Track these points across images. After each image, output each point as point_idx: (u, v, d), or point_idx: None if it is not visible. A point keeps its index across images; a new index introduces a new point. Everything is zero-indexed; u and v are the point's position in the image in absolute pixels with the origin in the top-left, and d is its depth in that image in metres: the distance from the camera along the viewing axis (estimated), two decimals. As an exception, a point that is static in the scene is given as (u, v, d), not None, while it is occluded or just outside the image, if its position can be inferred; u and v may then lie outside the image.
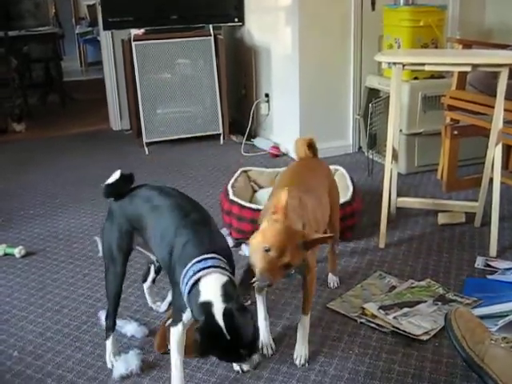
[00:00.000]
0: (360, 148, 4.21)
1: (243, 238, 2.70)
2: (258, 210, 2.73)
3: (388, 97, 3.36)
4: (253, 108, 4.60)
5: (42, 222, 3.18)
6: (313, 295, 1.98)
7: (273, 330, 2.08)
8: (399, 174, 3.58)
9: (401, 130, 3.56)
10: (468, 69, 2.57)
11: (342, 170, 3.18)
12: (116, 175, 1.89)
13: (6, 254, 2.78)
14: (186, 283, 1.55)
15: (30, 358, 1.99)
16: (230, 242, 2.72)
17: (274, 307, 2.23)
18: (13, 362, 1.97)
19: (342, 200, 2.78)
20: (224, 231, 2.76)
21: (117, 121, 5.18)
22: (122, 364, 1.89)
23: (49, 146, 4.80)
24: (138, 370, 1.89)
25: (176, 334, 1.69)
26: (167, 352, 1.90)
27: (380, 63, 3.79)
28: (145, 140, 4.44)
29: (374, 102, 3.62)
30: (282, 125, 4.35)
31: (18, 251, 2.77)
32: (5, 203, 3.51)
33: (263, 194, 3.06)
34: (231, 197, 2.85)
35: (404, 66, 2.64)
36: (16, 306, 2.33)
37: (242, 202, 2.80)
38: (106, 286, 1.94)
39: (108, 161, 4.27)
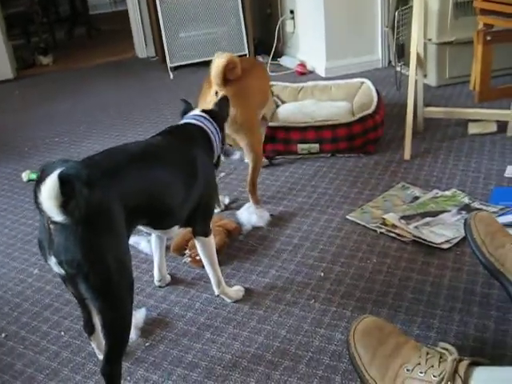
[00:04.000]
0: (390, 62, 4.04)
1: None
2: (289, 129, 2.67)
3: (416, 3, 3.19)
4: (278, 26, 4.44)
5: (66, 148, 3.20)
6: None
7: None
8: (429, 87, 3.44)
9: (430, 39, 3.38)
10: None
11: (368, 82, 3.09)
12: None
13: (29, 180, 2.81)
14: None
15: (50, 275, 2.02)
16: (265, 162, 2.69)
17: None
18: (33, 279, 2.01)
19: (363, 113, 2.70)
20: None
21: (142, 48, 5.12)
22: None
23: (76, 77, 4.81)
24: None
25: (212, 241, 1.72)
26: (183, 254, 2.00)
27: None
28: (169, 65, 4.37)
29: (400, 10, 3.43)
30: (308, 42, 4.21)
31: (41, 176, 2.79)
32: (31, 132, 3.54)
33: (286, 109, 2.99)
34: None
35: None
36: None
37: (275, 124, 2.71)
38: (119, 328, 1.33)
39: (131, 86, 4.30)
